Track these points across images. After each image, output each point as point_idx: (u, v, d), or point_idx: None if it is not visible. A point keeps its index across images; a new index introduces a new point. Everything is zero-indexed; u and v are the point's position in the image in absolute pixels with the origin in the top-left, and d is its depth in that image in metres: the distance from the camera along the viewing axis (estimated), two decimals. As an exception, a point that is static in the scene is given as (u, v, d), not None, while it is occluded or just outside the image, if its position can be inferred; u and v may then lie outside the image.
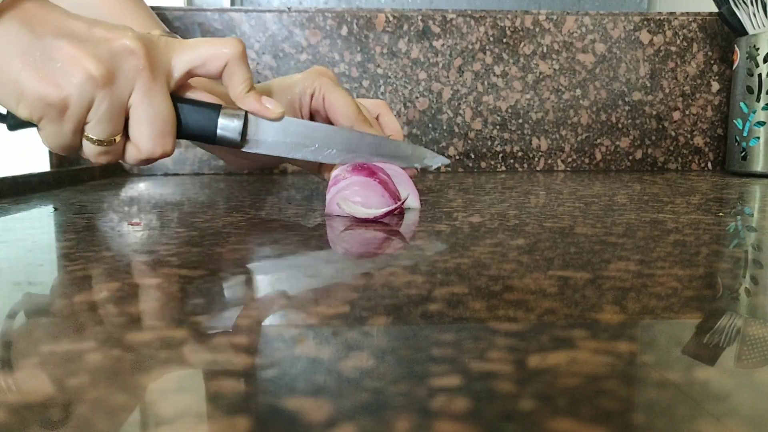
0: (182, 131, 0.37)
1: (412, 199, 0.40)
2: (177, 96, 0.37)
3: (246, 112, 0.38)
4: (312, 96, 0.45)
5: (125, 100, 0.34)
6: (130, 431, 0.11)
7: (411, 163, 0.42)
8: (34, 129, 0.35)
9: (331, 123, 0.46)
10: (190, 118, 0.37)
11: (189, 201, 0.48)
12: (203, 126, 0.38)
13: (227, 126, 0.38)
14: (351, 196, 0.37)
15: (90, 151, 0.36)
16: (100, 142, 0.35)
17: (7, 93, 0.32)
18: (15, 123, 0.36)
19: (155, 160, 0.37)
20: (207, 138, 0.38)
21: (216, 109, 0.38)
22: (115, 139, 0.35)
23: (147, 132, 0.35)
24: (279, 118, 0.39)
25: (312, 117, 0.46)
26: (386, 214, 0.35)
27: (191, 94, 0.38)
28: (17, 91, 0.32)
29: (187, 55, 0.37)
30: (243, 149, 0.39)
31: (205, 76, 0.38)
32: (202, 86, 0.41)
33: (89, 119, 0.34)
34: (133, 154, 0.36)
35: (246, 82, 0.38)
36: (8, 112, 0.35)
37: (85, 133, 0.35)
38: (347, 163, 0.39)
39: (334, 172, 0.39)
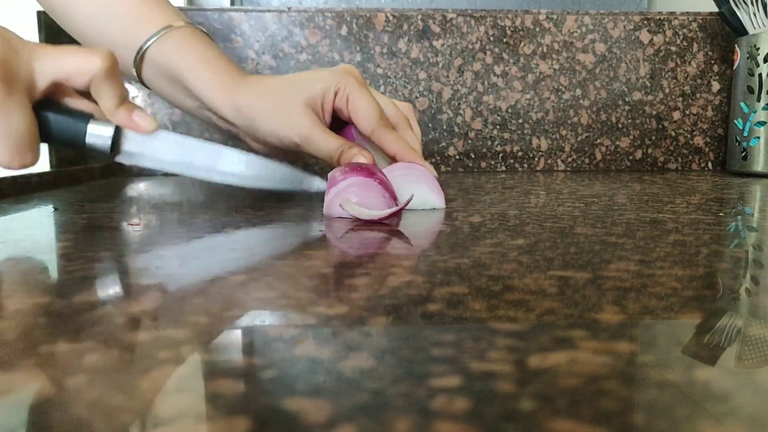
0: (50, 139, 0.37)
1: (436, 199, 0.40)
2: (47, 102, 0.36)
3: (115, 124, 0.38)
4: (336, 94, 0.45)
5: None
6: (130, 431, 0.11)
7: (284, 187, 0.42)
8: None
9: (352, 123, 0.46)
10: (57, 127, 0.37)
11: (189, 201, 0.48)
12: (71, 135, 0.37)
13: (97, 136, 0.37)
14: (350, 196, 0.35)
15: None
16: None
17: None
18: None
19: (16, 170, 0.36)
20: (77, 146, 0.38)
21: (85, 118, 0.37)
22: None
23: (4, 148, 0.34)
24: (149, 132, 0.39)
25: (334, 115, 0.46)
26: (390, 216, 0.34)
27: (67, 100, 0.37)
28: None
29: (51, 66, 0.35)
30: (117, 161, 0.39)
31: (72, 88, 0.37)
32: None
33: None
34: None
35: (114, 97, 0.37)
36: None
37: None
38: (225, 183, 0.41)
39: (331, 173, 0.38)
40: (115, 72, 0.37)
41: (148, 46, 0.47)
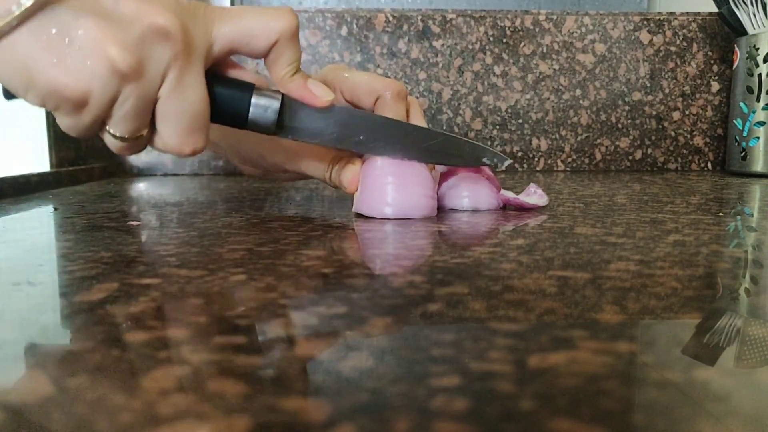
0: (212, 116, 0.32)
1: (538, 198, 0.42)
2: (208, 73, 0.31)
3: (283, 95, 0.33)
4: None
5: (155, 93, 0.29)
6: (130, 431, 0.11)
7: (468, 164, 0.38)
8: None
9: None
10: (221, 101, 0.32)
11: (189, 201, 0.48)
12: (234, 109, 0.32)
13: (261, 109, 0.33)
14: (462, 191, 0.39)
15: (112, 144, 0.31)
16: (122, 139, 0.30)
17: (15, 75, 0.27)
18: (12, 94, 0.30)
19: (185, 156, 0.32)
20: (238, 122, 0.33)
21: (249, 89, 0.33)
22: (142, 134, 0.31)
23: (175, 129, 0.30)
24: (326, 104, 0.34)
25: None
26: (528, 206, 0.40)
27: (226, 70, 0.33)
28: (26, 75, 0.26)
29: (230, 28, 0.31)
30: (279, 136, 0.34)
31: (248, 55, 0.33)
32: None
33: (112, 114, 0.29)
34: (159, 147, 0.32)
35: (293, 64, 0.33)
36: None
37: (107, 128, 0.30)
38: (392, 157, 0.36)
39: (441, 169, 0.40)
40: (297, 34, 0.32)
41: None
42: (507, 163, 0.38)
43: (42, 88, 0.27)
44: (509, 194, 0.40)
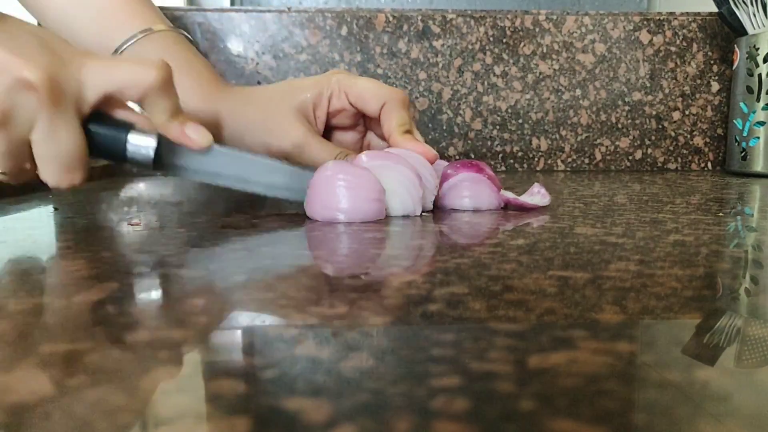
0: (92, 152, 0.34)
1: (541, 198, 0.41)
2: (92, 114, 0.34)
3: (158, 135, 0.35)
4: (331, 98, 0.43)
5: (25, 137, 0.31)
6: (130, 431, 0.11)
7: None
8: None
9: (360, 117, 0.44)
10: (97, 140, 0.34)
11: (189, 201, 0.48)
12: (111, 147, 0.35)
13: (137, 148, 0.34)
14: (463, 191, 0.39)
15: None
16: (3, 174, 0.32)
17: None
18: None
19: (64, 190, 0.34)
20: (118, 159, 0.35)
21: (125, 129, 0.34)
22: (25, 166, 0.32)
23: (51, 168, 0.32)
24: (204, 149, 0.36)
25: (330, 119, 0.45)
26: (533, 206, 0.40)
27: (113, 110, 0.35)
28: None
29: (102, 79, 0.33)
30: (159, 173, 0.37)
31: (123, 101, 0.35)
32: None
33: None
34: (43, 179, 0.34)
35: (168, 110, 0.35)
36: None
37: None
38: (280, 197, 0.38)
39: (439, 168, 0.41)
40: (170, 83, 0.35)
41: (125, 48, 0.45)
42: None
43: None
44: (509, 194, 0.40)
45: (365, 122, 0.47)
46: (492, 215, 0.38)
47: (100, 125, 0.34)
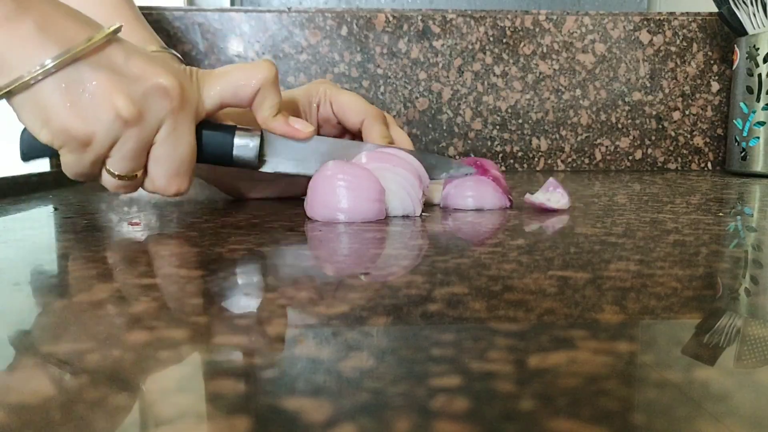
0: (199, 157, 0.37)
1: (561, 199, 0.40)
2: (198, 125, 0.36)
3: (262, 132, 0.38)
4: (318, 106, 0.45)
5: (151, 139, 0.33)
6: (130, 431, 0.11)
7: (436, 175, 0.41)
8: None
9: (342, 127, 0.46)
10: (206, 144, 0.37)
11: (189, 201, 0.48)
12: (219, 150, 0.37)
13: (243, 147, 0.37)
14: (466, 191, 0.40)
15: (108, 182, 0.35)
16: (120, 177, 0.34)
17: (34, 114, 0.31)
18: (29, 154, 0.35)
19: (170, 196, 0.36)
20: (225, 160, 0.38)
21: (231, 130, 0.37)
22: (136, 174, 0.35)
23: (165, 171, 0.35)
24: (308, 138, 0.39)
25: (320, 128, 0.46)
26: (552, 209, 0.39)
27: (212, 118, 0.38)
28: (44, 115, 0.31)
29: (219, 87, 0.36)
30: (262, 169, 0.39)
31: (236, 106, 0.37)
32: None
33: (112, 154, 0.33)
34: (149, 187, 0.36)
35: (275, 106, 0.37)
36: (23, 142, 0.35)
37: (106, 166, 0.34)
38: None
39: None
40: (276, 81, 0.37)
41: None
42: (464, 172, 0.41)
43: (54, 127, 0.31)
44: (534, 199, 0.39)
45: (351, 133, 0.48)
46: (492, 215, 0.38)
47: (206, 130, 0.37)
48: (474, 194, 0.40)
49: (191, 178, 0.36)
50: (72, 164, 0.33)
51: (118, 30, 0.32)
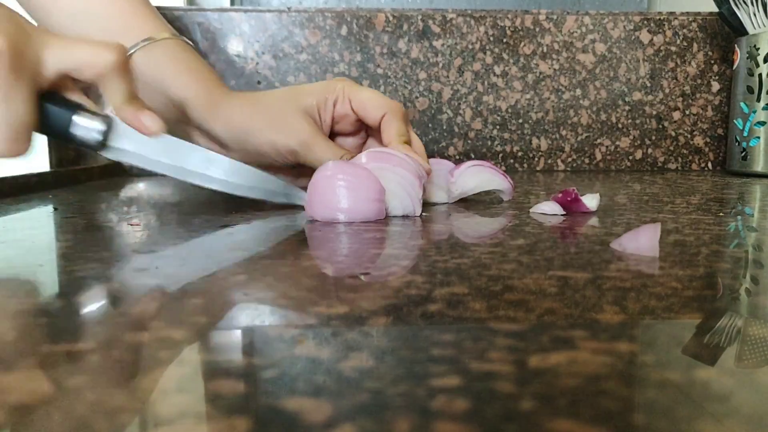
0: (41, 129, 0.35)
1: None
2: (45, 93, 0.35)
3: (112, 118, 0.37)
4: (336, 103, 0.44)
5: None
6: (130, 431, 0.11)
7: (272, 198, 0.41)
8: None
9: (362, 124, 0.46)
10: (45, 116, 0.35)
11: (189, 201, 0.48)
12: (57, 125, 0.36)
13: (84, 128, 0.36)
14: (469, 177, 0.44)
15: None
16: None
17: None
18: None
19: (7, 159, 0.35)
20: (62, 138, 0.36)
21: (72, 108, 0.36)
22: None
23: (1, 135, 0.33)
24: (155, 135, 0.37)
25: (333, 124, 0.46)
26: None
27: (69, 94, 0.36)
28: None
29: (60, 56, 0.34)
30: (105, 155, 0.38)
31: (81, 82, 0.36)
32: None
33: None
34: None
35: (123, 93, 0.36)
36: None
37: None
38: (212, 189, 0.40)
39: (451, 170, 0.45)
40: (125, 66, 0.36)
41: (132, 53, 0.46)
42: (301, 197, 0.40)
43: None
44: (584, 199, 0.39)
45: (367, 130, 0.48)
46: (492, 215, 0.38)
47: (51, 103, 0.35)
48: (478, 180, 0.43)
49: (29, 142, 0.34)
50: None
51: None
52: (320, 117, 0.45)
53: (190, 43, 0.49)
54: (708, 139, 0.85)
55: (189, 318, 0.17)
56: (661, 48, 0.83)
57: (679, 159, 0.85)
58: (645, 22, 0.82)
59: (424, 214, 0.38)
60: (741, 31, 0.74)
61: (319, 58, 0.79)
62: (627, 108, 0.83)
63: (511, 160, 0.83)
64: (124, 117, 0.37)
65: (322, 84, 0.45)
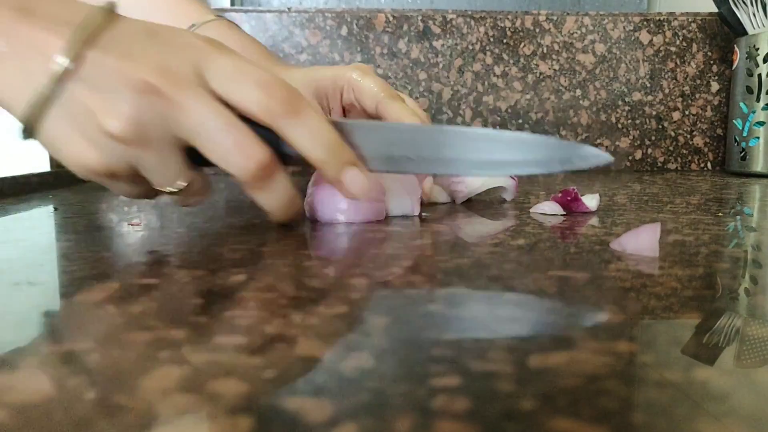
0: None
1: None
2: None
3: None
4: (342, 92, 0.44)
5: (173, 139, 0.27)
6: (130, 431, 0.11)
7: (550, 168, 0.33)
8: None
9: (369, 117, 0.44)
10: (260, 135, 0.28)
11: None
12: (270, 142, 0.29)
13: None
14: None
15: (174, 200, 0.30)
16: (173, 192, 0.29)
17: (55, 156, 0.27)
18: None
19: (262, 173, 0.28)
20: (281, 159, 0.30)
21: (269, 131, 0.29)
22: (190, 183, 0.29)
23: (225, 143, 0.27)
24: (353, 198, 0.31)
25: (345, 113, 0.45)
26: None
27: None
28: (59, 156, 0.27)
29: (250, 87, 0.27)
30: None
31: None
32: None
33: (147, 176, 0.28)
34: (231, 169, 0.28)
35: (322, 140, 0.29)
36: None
37: (153, 186, 0.29)
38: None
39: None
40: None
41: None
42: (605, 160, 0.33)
43: (67, 163, 0.27)
44: (584, 199, 0.39)
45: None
46: (492, 215, 0.38)
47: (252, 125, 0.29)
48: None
49: (262, 145, 0.28)
50: (125, 194, 0.30)
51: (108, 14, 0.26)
52: (328, 104, 0.44)
53: (234, 22, 0.50)
54: (707, 139, 0.85)
55: (188, 318, 0.17)
56: (661, 48, 0.83)
57: (679, 159, 0.85)
58: (645, 22, 0.82)
59: (424, 214, 0.38)
60: (740, 31, 0.74)
61: (320, 58, 0.79)
62: (627, 108, 0.83)
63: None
64: (326, 171, 0.30)
65: (335, 70, 0.44)
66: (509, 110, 0.82)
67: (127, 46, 0.26)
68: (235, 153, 0.27)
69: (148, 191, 0.30)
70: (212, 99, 0.27)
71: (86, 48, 0.25)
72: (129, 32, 0.27)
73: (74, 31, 0.25)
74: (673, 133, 0.85)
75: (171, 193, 0.29)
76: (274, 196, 0.29)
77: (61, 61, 0.25)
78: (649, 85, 0.83)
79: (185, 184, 0.29)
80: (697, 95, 0.84)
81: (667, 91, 0.84)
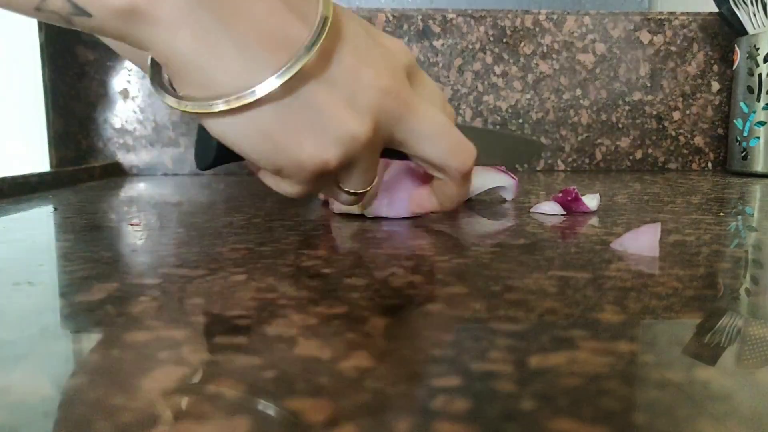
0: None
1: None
2: None
3: None
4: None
5: (384, 142, 0.29)
6: (130, 431, 0.11)
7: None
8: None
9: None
10: None
11: (189, 201, 0.48)
12: None
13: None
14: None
15: (346, 200, 0.31)
16: (357, 193, 0.30)
17: (255, 145, 0.26)
18: (215, 163, 0.30)
19: (466, 171, 0.31)
20: None
21: None
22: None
23: (443, 144, 0.30)
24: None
25: None
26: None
27: None
28: (268, 146, 0.26)
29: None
30: None
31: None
32: None
33: (349, 174, 0.29)
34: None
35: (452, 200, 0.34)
36: (206, 149, 0.30)
37: (341, 186, 0.30)
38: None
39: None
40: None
41: None
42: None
43: (284, 158, 0.26)
44: (584, 199, 0.39)
45: None
46: (492, 215, 0.38)
47: None
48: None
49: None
50: (299, 192, 0.29)
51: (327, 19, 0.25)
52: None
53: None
54: (708, 139, 0.85)
55: (188, 318, 0.17)
56: (661, 48, 0.83)
57: (680, 159, 0.85)
58: (645, 22, 0.82)
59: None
60: (741, 31, 0.74)
61: (319, 58, 0.79)
62: (627, 108, 0.83)
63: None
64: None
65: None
66: (509, 110, 0.82)
67: (363, 46, 0.27)
68: (459, 151, 0.30)
69: (314, 192, 0.31)
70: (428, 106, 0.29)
71: (327, 42, 0.25)
72: (354, 30, 0.27)
73: (316, 25, 0.25)
74: (673, 133, 0.85)
75: (354, 194, 0.30)
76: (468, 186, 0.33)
77: (303, 55, 0.24)
78: (649, 84, 0.83)
79: (375, 183, 0.31)
80: (698, 95, 0.84)
81: (667, 90, 0.84)
